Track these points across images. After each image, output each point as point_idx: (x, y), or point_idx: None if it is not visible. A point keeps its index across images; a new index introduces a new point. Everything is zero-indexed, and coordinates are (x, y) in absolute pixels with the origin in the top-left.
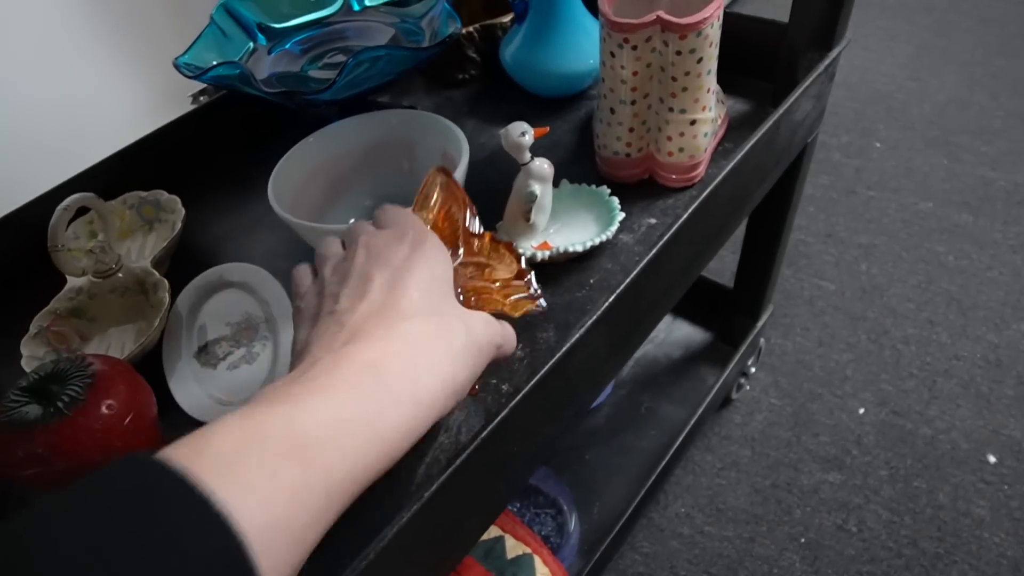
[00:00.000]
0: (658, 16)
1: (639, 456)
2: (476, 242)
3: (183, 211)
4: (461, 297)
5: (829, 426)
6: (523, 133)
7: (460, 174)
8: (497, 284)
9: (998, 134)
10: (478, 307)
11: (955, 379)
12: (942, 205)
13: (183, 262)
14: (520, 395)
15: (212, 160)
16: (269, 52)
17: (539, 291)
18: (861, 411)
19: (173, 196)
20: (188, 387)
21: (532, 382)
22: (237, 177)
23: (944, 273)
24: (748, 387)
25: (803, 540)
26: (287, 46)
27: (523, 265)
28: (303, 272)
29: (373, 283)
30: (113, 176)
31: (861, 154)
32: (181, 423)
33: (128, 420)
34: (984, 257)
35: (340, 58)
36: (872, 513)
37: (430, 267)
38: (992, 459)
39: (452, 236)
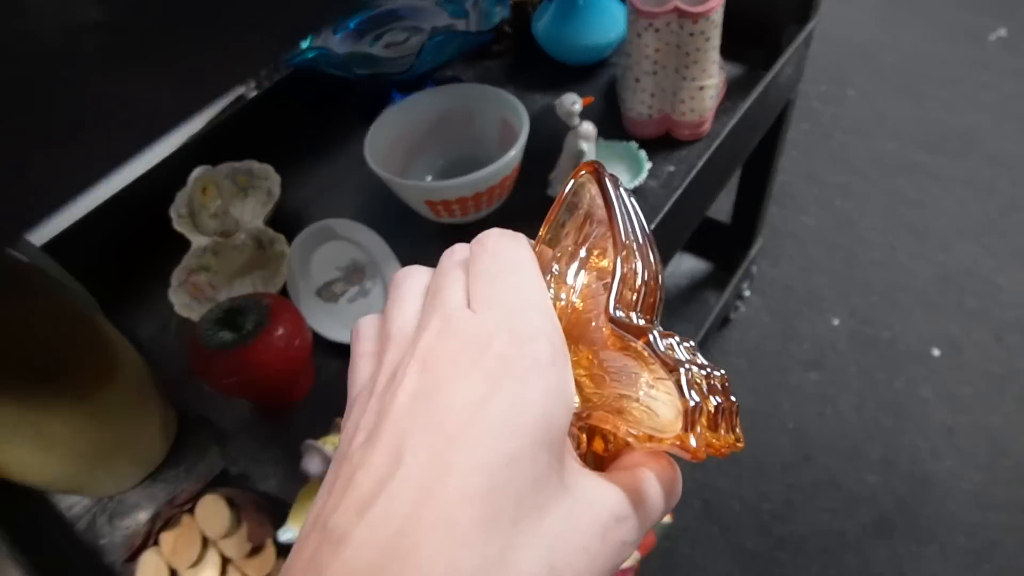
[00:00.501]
0: (676, 6)
1: None
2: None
3: (278, 177)
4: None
5: (810, 336)
6: (574, 103)
7: (521, 143)
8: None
9: (955, 81)
10: (614, 451)
11: (910, 292)
12: (906, 146)
13: (280, 221)
14: None
15: (288, 133)
16: (334, 32)
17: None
18: (836, 322)
19: (265, 164)
20: (320, 318)
21: None
22: (312, 146)
23: (904, 205)
24: (743, 308)
25: (791, 426)
26: (351, 26)
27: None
28: (366, 330)
29: (403, 464)
30: (206, 150)
31: (837, 101)
32: (320, 345)
33: (296, 341)
34: (937, 190)
35: (400, 36)
36: (844, 401)
37: (519, 424)
38: (936, 352)
39: (586, 328)
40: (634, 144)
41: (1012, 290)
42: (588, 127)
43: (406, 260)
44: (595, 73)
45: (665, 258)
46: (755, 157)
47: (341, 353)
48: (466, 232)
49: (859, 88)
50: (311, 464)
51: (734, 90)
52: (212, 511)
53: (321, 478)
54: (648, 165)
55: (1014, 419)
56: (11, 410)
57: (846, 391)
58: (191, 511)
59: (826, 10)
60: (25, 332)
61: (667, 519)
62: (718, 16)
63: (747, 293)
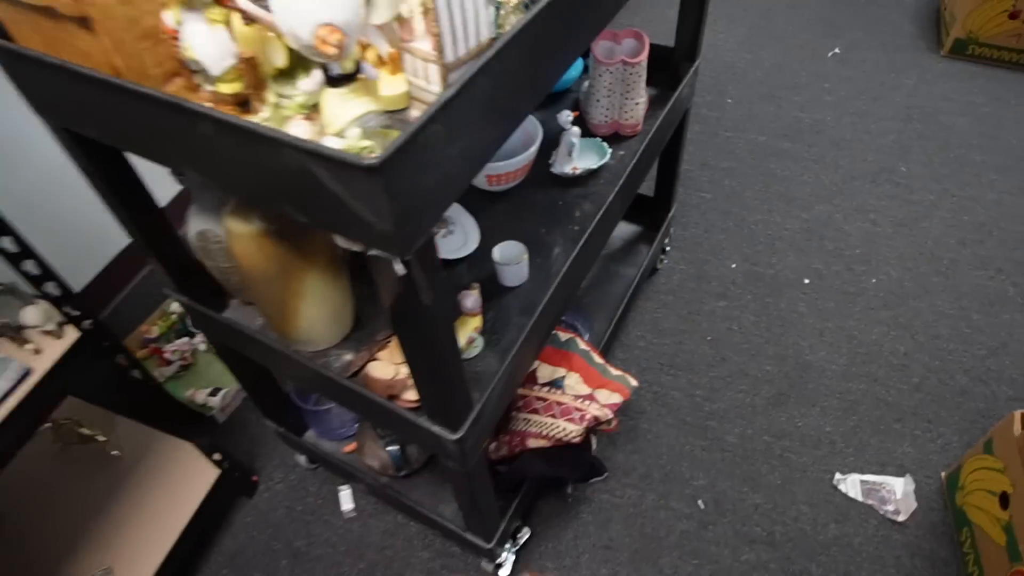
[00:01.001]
0: (621, 59)
1: (612, 299)
2: None
3: None
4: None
5: (716, 276)
6: (568, 116)
7: (539, 140)
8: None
9: (804, 87)
10: None
11: (785, 241)
12: (772, 137)
13: None
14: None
15: None
16: None
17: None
18: (733, 265)
19: None
20: None
21: (581, 242)
22: None
23: (775, 180)
24: (666, 260)
25: (709, 339)
26: None
27: None
28: None
29: None
30: None
31: (719, 108)
32: None
33: None
34: (797, 168)
35: None
36: (746, 320)
37: None
38: (807, 281)
39: None
40: (599, 139)
41: (856, 235)
42: (576, 129)
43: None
44: (563, 97)
45: (621, 213)
46: (667, 149)
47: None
48: (506, 197)
49: (734, 97)
50: (467, 300)
51: (654, 104)
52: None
53: (473, 312)
54: (609, 151)
55: (863, 321)
56: (318, 291)
57: (746, 311)
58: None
59: (707, 40)
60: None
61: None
62: (645, 62)
63: (668, 248)
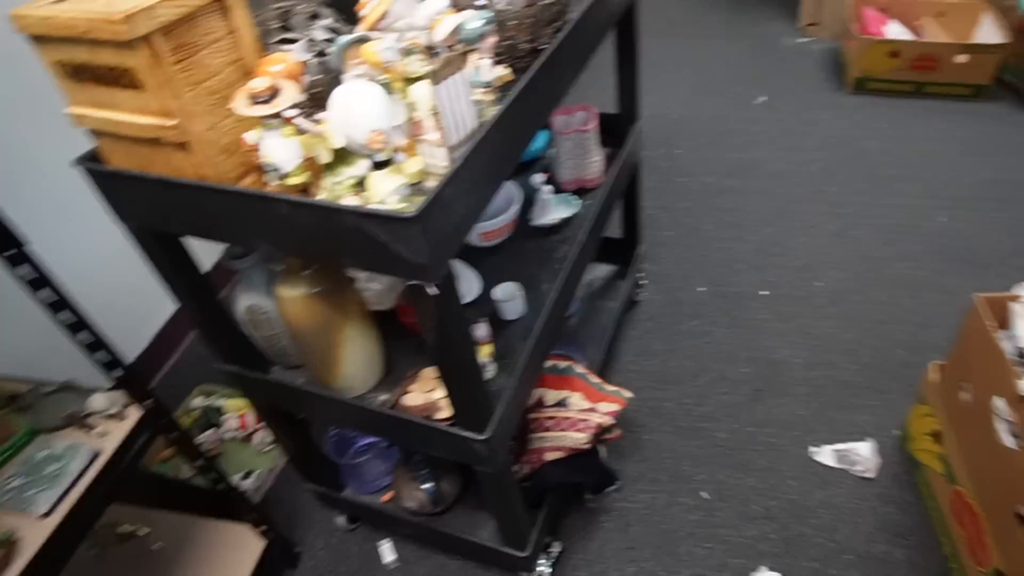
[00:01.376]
0: (575, 128)
1: (600, 330)
2: None
3: None
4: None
5: (688, 301)
6: (541, 178)
7: (517, 206)
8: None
9: (739, 132)
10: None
11: (741, 262)
12: (719, 177)
13: None
14: (555, 290)
15: None
16: None
17: None
18: (701, 289)
19: None
20: None
21: (563, 277)
22: None
23: (726, 212)
24: (643, 293)
25: (689, 354)
26: None
27: None
28: None
29: None
30: None
31: (671, 158)
32: None
33: None
34: (743, 200)
35: None
36: (719, 333)
37: None
38: (765, 292)
39: None
40: (568, 193)
41: (799, 248)
42: (548, 187)
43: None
44: (536, 163)
45: (592, 255)
46: (627, 195)
47: None
48: (499, 250)
49: (683, 147)
50: (479, 331)
51: (611, 159)
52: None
53: (484, 341)
54: (577, 202)
55: (815, 319)
56: (356, 340)
57: (717, 326)
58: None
59: (655, 101)
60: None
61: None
62: (595, 129)
63: (644, 282)
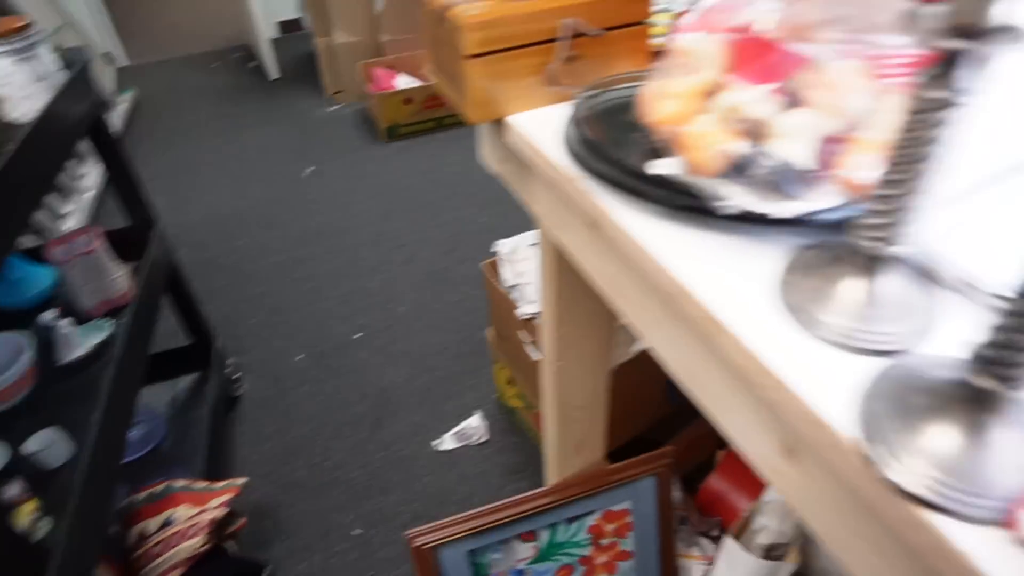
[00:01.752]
0: (80, 253)
1: (197, 443)
2: None
3: None
4: None
5: (290, 372)
6: (50, 316)
7: (25, 356)
8: None
9: (296, 205)
10: None
11: (331, 317)
12: (288, 253)
13: None
14: None
15: None
16: None
17: None
18: (299, 357)
19: None
20: None
21: (108, 398)
22: None
23: (304, 281)
24: (242, 386)
25: (307, 415)
26: None
27: None
28: None
29: None
30: None
31: (234, 252)
32: None
33: None
34: (317, 263)
35: None
36: (329, 386)
37: None
38: (359, 335)
39: None
40: (97, 319)
41: (378, 286)
42: (65, 320)
43: None
44: (50, 303)
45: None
46: (178, 300)
47: None
48: (25, 407)
49: (243, 237)
50: (10, 491)
51: (138, 270)
52: None
53: (20, 499)
54: (108, 323)
55: (408, 337)
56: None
57: (323, 383)
58: None
59: (200, 203)
60: None
61: None
62: (102, 247)
63: (238, 376)
